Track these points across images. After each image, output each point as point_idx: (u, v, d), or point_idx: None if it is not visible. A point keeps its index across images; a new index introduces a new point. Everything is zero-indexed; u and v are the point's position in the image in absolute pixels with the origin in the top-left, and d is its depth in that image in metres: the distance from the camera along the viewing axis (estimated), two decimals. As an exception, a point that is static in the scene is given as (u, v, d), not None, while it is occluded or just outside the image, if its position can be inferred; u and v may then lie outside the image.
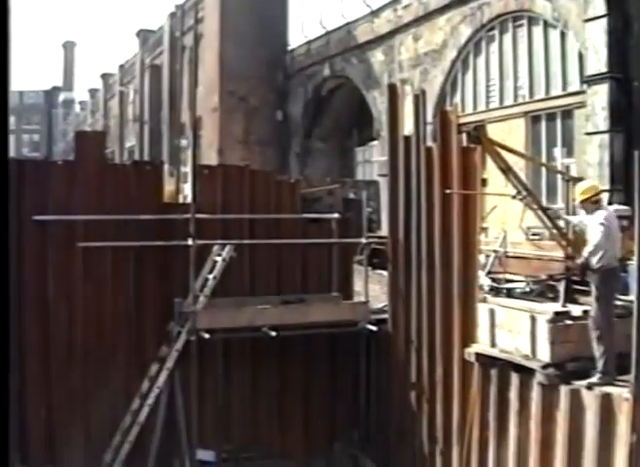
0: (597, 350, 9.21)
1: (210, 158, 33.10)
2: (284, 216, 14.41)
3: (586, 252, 9.63)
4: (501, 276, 11.39)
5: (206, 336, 13.01)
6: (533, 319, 10.03)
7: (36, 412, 13.29)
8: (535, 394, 9.80)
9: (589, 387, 9.10)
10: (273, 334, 13.28)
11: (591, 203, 9.88)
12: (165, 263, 13.71)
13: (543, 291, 10.94)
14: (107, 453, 12.79)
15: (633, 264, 9.30)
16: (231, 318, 13.30)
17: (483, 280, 11.14)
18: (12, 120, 72.62)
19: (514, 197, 11.43)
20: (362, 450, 14.54)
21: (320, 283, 14.60)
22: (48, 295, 13.36)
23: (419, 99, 13.58)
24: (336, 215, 14.49)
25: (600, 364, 9.16)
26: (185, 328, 12.98)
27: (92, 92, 69.45)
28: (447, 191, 11.91)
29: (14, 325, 12.87)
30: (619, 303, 9.96)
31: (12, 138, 69.53)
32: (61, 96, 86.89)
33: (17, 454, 13.27)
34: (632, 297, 9.23)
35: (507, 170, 11.49)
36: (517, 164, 13.51)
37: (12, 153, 56.07)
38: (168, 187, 18.05)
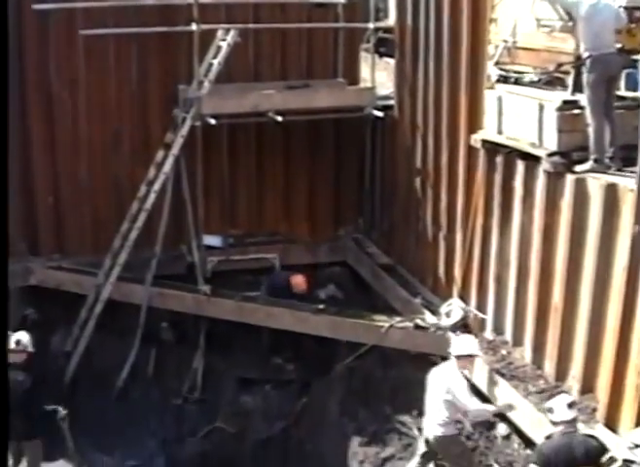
0: (590, 137, 9.18)
1: None
2: (289, 0, 13.99)
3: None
4: (509, 67, 11.13)
5: (211, 121, 12.92)
6: (541, 107, 9.87)
7: (43, 201, 13.44)
8: (540, 182, 9.77)
9: (579, 173, 9.10)
10: (279, 119, 13.17)
11: None
12: (169, 49, 13.44)
13: (551, 80, 10.73)
14: (115, 240, 12.97)
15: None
16: (236, 103, 13.12)
17: (492, 70, 10.89)
18: None
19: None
20: (366, 235, 14.77)
21: (325, 69, 14.31)
22: (51, 88, 13.24)
23: None
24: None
25: (591, 151, 9.13)
26: (190, 114, 12.84)
27: None
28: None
29: (18, 122, 12.87)
30: (625, 94, 9.82)
31: None
32: None
33: (26, 245, 13.58)
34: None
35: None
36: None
37: None
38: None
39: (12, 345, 10.18)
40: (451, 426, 9.60)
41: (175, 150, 12.87)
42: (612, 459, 7.81)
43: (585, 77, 9.24)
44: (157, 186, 12.88)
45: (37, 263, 13.49)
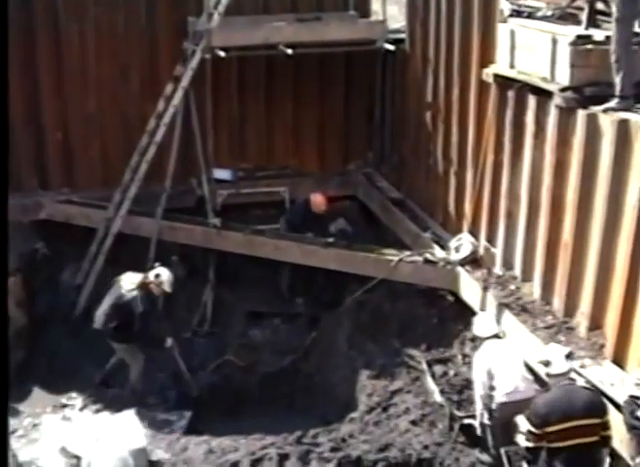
0: (616, 75, 9.01)
1: None
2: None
3: None
4: (522, 2, 10.95)
5: (221, 54, 12.81)
6: (554, 41, 9.72)
7: (53, 136, 13.41)
8: (552, 118, 9.67)
9: (606, 111, 8.99)
10: (289, 52, 13.05)
11: None
12: (178, -19, 13.29)
13: (564, 16, 10.55)
14: (125, 173, 12.96)
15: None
16: (246, 36, 13.01)
17: (504, 4, 10.72)
18: None
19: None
20: (376, 169, 14.74)
21: (337, 2, 14.18)
22: (58, 23, 13.12)
23: None
24: None
25: (618, 89, 8.99)
26: (199, 46, 12.71)
27: None
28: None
29: (27, 58, 12.80)
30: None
31: None
32: None
33: (36, 180, 13.59)
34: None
35: None
36: None
37: None
38: None
39: (151, 277, 10.88)
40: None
41: (185, 83, 12.76)
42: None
43: (615, 13, 9.03)
44: (166, 119, 12.80)
45: (47, 197, 13.54)
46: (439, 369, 10.84)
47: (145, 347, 11.18)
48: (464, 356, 10.52)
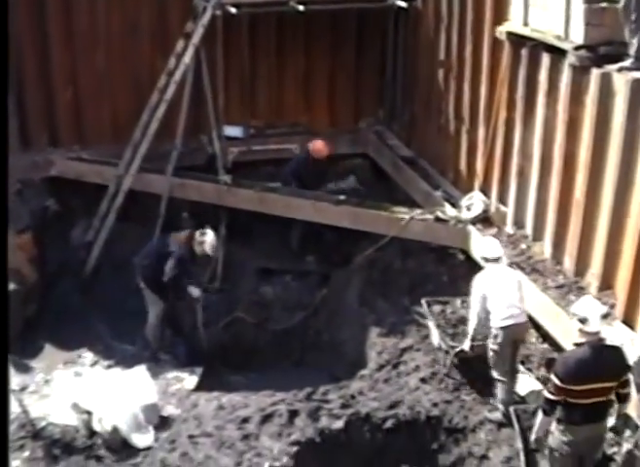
0: (631, 35, 8.92)
1: None
2: None
3: None
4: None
5: (232, 10, 12.74)
6: (568, -1, 9.67)
7: (63, 93, 13.35)
8: (565, 76, 9.61)
9: (620, 71, 8.92)
10: (301, 8, 12.98)
11: None
12: None
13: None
14: (135, 131, 12.93)
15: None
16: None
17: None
18: None
19: None
20: (387, 127, 14.69)
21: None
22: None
23: None
24: None
25: (634, 48, 8.90)
26: (210, 2, 12.62)
27: None
28: None
29: (36, 13, 12.74)
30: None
31: None
32: None
33: (46, 138, 13.56)
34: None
35: None
36: None
37: None
38: None
39: (197, 235, 10.90)
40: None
41: (195, 39, 12.69)
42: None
43: None
44: (177, 76, 12.75)
45: (57, 154, 13.52)
46: (437, 308, 10.85)
47: (172, 298, 11.16)
48: (463, 301, 10.51)
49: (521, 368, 9.72)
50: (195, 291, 11.03)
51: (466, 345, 9.69)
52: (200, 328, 11.35)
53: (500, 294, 9.22)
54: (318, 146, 13.14)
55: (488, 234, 10.90)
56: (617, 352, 7.77)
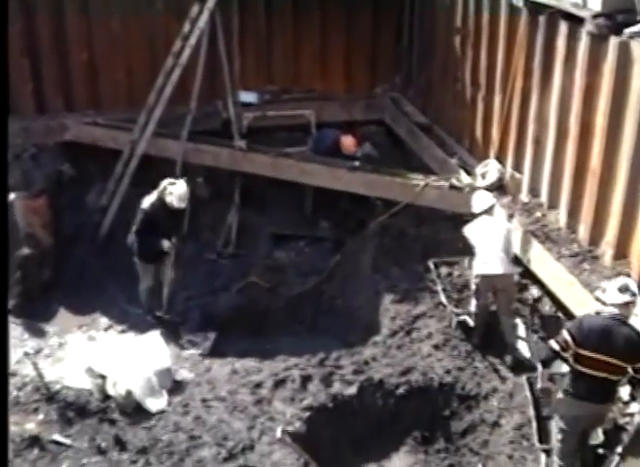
0: None
1: None
2: None
3: None
4: None
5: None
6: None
7: (77, 58, 13.29)
8: (583, 44, 9.53)
9: (632, 37, 8.85)
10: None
11: None
12: None
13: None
14: (150, 95, 12.87)
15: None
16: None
17: None
18: None
19: None
20: (403, 94, 14.61)
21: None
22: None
23: None
24: None
25: None
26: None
27: None
28: None
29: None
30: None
31: None
32: None
33: (61, 102, 13.52)
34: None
35: None
36: None
37: None
38: None
39: (167, 187, 10.75)
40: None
41: (210, 3, 12.60)
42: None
43: None
44: (192, 41, 12.68)
45: (72, 119, 13.46)
46: (444, 270, 11.17)
47: (139, 257, 11.11)
48: (470, 260, 10.55)
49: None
50: (165, 243, 10.85)
51: (470, 320, 10.15)
52: (167, 288, 11.28)
53: (483, 243, 9.86)
54: (348, 142, 13.09)
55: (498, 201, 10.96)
56: (634, 333, 7.68)
